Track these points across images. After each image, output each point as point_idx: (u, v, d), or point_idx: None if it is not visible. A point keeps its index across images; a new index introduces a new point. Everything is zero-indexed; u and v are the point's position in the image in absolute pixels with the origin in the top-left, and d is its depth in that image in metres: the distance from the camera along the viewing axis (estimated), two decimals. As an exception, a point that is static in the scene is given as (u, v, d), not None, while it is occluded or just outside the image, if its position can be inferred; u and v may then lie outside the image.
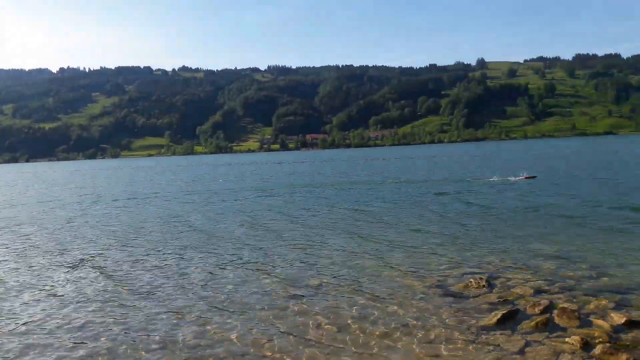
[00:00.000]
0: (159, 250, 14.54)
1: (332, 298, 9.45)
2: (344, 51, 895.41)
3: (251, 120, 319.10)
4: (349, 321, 8.20)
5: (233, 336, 7.70)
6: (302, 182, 40.86)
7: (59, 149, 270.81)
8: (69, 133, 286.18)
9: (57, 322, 8.58)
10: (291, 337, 7.60)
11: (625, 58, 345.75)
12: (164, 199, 31.35)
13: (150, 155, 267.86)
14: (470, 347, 6.94)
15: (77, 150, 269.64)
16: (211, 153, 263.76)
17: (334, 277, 10.90)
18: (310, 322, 8.20)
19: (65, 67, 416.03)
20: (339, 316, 8.45)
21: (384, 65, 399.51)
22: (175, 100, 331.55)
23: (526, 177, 30.64)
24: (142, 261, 13.22)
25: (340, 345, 7.23)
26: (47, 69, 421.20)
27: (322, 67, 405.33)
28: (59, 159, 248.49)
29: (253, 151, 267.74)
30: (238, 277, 11.22)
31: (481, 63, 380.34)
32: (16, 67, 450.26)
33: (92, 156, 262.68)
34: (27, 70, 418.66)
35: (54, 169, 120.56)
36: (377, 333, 7.66)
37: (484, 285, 9.66)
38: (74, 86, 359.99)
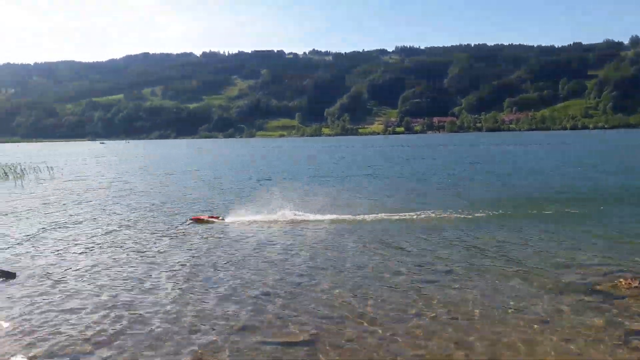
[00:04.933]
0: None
1: (466, 289, 9.28)
2: (476, 30, 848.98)
3: (376, 102, 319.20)
4: (493, 312, 8.04)
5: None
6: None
7: (202, 127, 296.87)
8: (210, 113, 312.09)
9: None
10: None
11: None
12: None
13: (282, 135, 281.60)
14: (619, 350, 6.60)
15: (217, 130, 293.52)
16: (337, 135, 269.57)
17: (473, 265, 10.75)
18: (444, 315, 8.18)
19: (207, 51, 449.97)
20: (480, 305, 8.33)
21: (521, 44, 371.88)
22: (305, 83, 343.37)
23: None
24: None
25: (476, 337, 7.15)
26: (192, 53, 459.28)
27: (452, 47, 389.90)
28: (201, 137, 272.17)
29: (377, 134, 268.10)
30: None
31: (635, 41, 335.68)
32: (165, 52, 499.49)
33: (231, 135, 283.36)
34: (174, 54, 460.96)
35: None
36: (517, 328, 7.44)
37: (636, 287, 9.03)
38: (215, 69, 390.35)
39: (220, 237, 12.49)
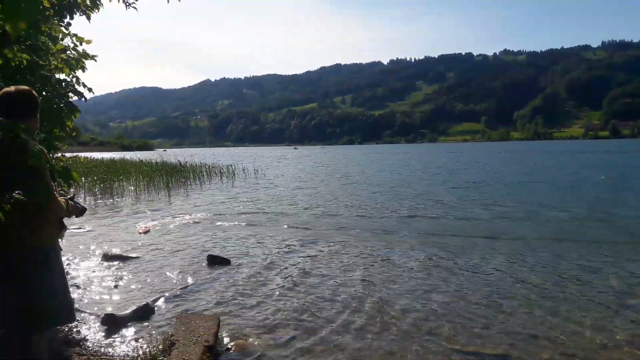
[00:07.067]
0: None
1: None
2: None
3: (576, 104, 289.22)
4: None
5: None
6: None
7: (385, 133, 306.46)
8: (394, 119, 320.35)
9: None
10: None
11: None
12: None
13: (465, 140, 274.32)
14: None
15: (399, 135, 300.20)
16: (527, 139, 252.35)
17: None
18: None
19: (395, 59, 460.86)
20: None
21: None
22: (494, 85, 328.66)
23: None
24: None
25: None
26: (379, 61, 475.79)
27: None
28: (384, 142, 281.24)
29: (576, 138, 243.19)
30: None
31: None
32: (356, 62, 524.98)
33: (412, 140, 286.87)
34: (364, 63, 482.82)
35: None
36: None
37: None
38: (401, 76, 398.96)
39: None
